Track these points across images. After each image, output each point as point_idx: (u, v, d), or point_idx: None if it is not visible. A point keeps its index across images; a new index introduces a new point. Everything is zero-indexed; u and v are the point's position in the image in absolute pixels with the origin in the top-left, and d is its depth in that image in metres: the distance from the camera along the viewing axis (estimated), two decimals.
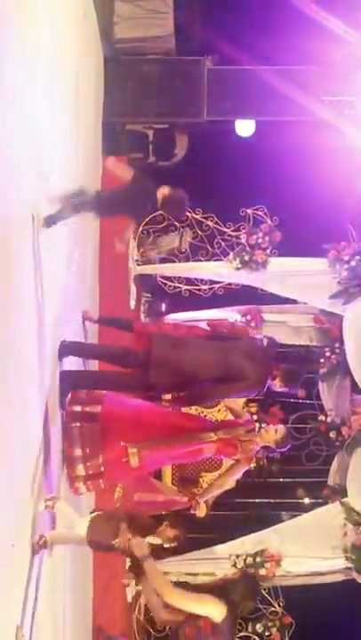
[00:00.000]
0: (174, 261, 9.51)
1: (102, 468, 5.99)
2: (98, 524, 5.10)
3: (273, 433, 6.33)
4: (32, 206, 5.08)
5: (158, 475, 9.39)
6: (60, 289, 6.08)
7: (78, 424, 5.96)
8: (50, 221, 5.54)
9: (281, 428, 6.39)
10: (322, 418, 9.41)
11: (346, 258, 8.80)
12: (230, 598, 4.70)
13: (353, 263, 8.75)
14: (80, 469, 5.96)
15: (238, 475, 6.75)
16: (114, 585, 7.76)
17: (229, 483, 6.89)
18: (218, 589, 4.79)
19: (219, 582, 5.07)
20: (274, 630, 8.21)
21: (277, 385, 6.46)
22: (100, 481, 6.10)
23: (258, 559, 8.11)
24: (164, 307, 10.08)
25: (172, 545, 5.22)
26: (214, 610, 4.58)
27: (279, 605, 8.25)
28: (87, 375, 6.73)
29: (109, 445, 5.92)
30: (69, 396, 6.06)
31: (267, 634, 8.26)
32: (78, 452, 5.93)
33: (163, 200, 6.21)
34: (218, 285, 9.61)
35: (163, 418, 6.32)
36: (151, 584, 4.80)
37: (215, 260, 9.23)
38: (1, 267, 4.20)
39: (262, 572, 8.07)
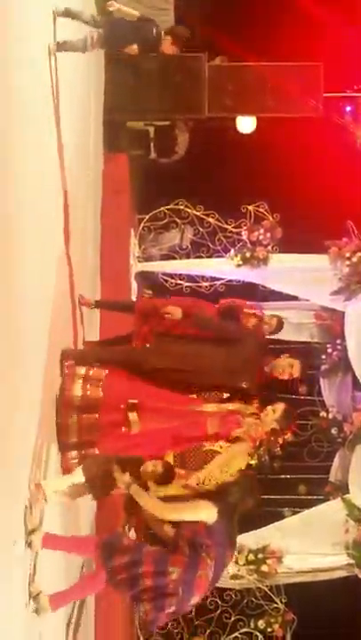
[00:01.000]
0: (175, 258, 9.51)
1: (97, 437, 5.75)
2: (91, 464, 5.18)
3: (271, 413, 6.16)
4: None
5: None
6: (60, 288, 6.09)
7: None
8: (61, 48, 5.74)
9: (278, 405, 6.17)
10: (323, 414, 9.43)
11: (347, 254, 8.80)
12: (227, 500, 4.89)
13: (354, 259, 8.75)
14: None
15: (240, 453, 6.54)
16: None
17: (228, 462, 6.71)
18: (215, 493, 4.96)
19: (216, 488, 5.16)
20: (276, 626, 8.23)
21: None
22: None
23: (260, 556, 8.13)
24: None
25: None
26: (207, 514, 4.77)
27: (281, 602, 8.27)
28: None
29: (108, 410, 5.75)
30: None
31: (269, 630, 8.28)
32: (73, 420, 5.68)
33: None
34: (219, 282, 9.61)
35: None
36: (144, 508, 4.95)
37: (216, 257, 9.23)
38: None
39: (264, 568, 8.09)
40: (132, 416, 5.73)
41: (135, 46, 6.67)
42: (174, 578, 4.67)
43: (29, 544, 4.57)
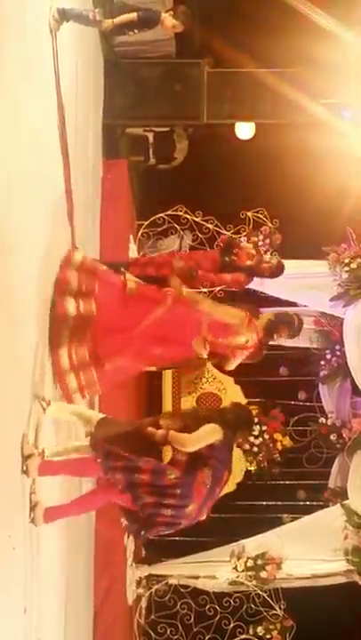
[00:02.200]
0: None
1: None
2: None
3: (257, 324, 5.98)
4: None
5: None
6: None
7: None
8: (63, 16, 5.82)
9: (264, 312, 6.18)
10: (323, 420, 9.44)
11: (346, 260, 8.81)
12: (229, 424, 5.15)
13: (353, 265, 8.75)
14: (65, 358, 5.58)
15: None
16: (115, 588, 7.75)
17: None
18: (217, 417, 5.20)
19: (218, 412, 5.48)
20: (275, 633, 8.21)
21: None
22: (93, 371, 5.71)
23: (259, 562, 8.13)
24: None
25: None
26: (217, 434, 5.03)
27: (280, 608, 8.26)
28: None
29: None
30: None
31: (268, 636, 8.26)
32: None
33: None
34: (218, 288, 9.60)
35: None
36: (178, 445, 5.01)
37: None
38: None
39: (263, 574, 8.09)
40: (130, 281, 5.78)
41: (135, 15, 6.69)
42: (172, 478, 4.85)
43: (25, 471, 4.59)
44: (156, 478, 4.84)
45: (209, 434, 5.04)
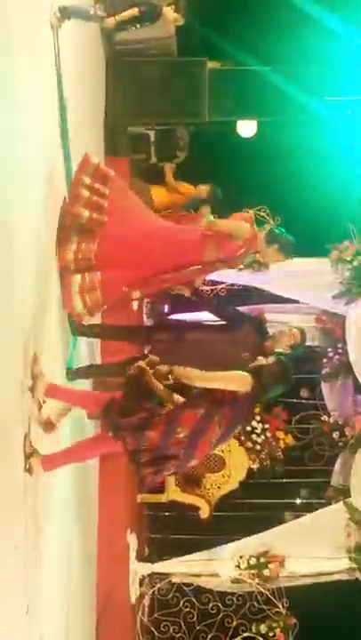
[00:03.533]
0: None
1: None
2: None
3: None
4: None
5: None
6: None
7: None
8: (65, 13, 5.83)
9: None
10: (325, 418, 9.44)
11: (348, 258, 8.80)
12: (262, 379, 4.95)
13: (355, 263, 8.75)
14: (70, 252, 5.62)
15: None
16: (117, 587, 7.77)
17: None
18: (253, 370, 5.00)
19: (254, 367, 5.11)
20: (278, 631, 8.21)
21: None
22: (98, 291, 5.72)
23: (261, 560, 8.13)
24: (166, 308, 10.07)
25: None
26: (241, 384, 4.86)
27: (283, 606, 8.26)
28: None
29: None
30: None
31: (271, 634, 8.26)
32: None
33: None
34: (220, 286, 9.62)
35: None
36: (184, 379, 4.91)
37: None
38: None
39: (266, 572, 8.09)
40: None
41: (136, 10, 6.70)
42: (180, 437, 4.74)
43: (31, 389, 4.57)
44: (164, 438, 4.76)
45: (233, 380, 4.88)
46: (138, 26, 7.17)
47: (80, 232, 5.62)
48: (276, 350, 6.22)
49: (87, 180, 5.72)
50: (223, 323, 6.53)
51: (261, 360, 5.15)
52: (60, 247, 5.57)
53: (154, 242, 5.84)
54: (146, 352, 6.93)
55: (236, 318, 6.41)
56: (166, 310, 10.04)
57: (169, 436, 4.77)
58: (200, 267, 6.04)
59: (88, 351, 7.21)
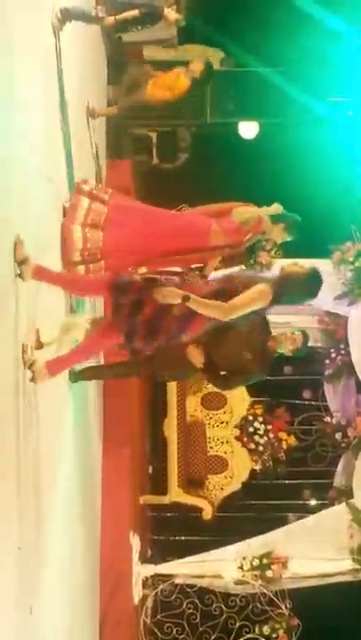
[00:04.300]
0: None
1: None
2: None
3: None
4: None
5: (165, 469, 9.42)
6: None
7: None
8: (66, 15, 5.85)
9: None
10: (327, 419, 9.44)
11: (350, 259, 8.80)
12: (282, 291, 4.88)
13: (357, 264, 8.75)
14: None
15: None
16: (121, 588, 7.76)
17: None
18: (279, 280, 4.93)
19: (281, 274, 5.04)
20: (281, 632, 8.21)
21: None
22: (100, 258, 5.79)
23: (264, 561, 8.13)
24: None
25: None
26: (265, 300, 4.79)
27: (286, 607, 8.25)
28: None
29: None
30: None
31: (274, 636, 8.26)
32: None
33: None
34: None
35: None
36: (208, 314, 4.76)
37: (219, 262, 9.21)
38: None
39: (269, 573, 8.08)
40: None
41: (137, 11, 6.71)
42: (176, 314, 4.73)
43: (20, 274, 4.45)
44: (158, 312, 4.73)
45: (255, 301, 4.80)
46: (139, 27, 7.16)
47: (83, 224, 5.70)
48: (278, 351, 6.23)
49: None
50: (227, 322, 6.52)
51: (295, 264, 5.09)
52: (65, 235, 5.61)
53: (155, 226, 5.87)
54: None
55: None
56: None
57: (164, 310, 4.73)
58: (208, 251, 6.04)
59: None
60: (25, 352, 4.49)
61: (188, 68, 7.41)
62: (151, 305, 4.76)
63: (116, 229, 5.82)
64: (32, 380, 4.56)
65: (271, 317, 6.65)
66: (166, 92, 7.59)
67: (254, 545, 8.23)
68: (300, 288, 5.04)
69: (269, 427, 9.59)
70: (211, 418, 9.82)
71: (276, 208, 6.10)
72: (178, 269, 5.94)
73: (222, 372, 6.31)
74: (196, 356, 5.93)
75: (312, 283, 5.09)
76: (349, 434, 9.15)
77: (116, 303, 4.85)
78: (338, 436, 9.28)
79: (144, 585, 8.24)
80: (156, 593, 8.31)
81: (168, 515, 9.58)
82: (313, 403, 9.71)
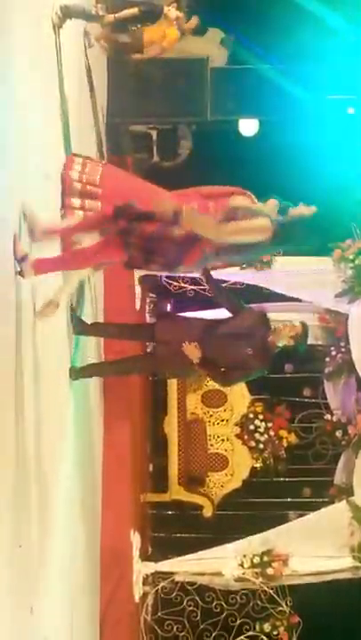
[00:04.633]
0: None
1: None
2: None
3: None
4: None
5: (165, 467, 9.43)
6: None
7: None
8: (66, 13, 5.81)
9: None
10: (328, 417, 9.44)
11: (351, 256, 8.79)
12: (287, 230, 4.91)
13: (358, 262, 8.74)
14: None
15: None
16: (121, 586, 7.77)
17: None
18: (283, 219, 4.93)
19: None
20: (281, 630, 8.22)
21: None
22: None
23: (265, 558, 8.12)
24: (169, 307, 10.08)
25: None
26: (263, 233, 4.82)
27: (287, 605, 8.26)
28: None
29: None
30: None
31: (275, 633, 8.27)
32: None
33: None
34: (223, 285, 9.58)
35: None
36: (200, 232, 4.71)
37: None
38: None
39: (269, 571, 8.08)
40: None
41: (136, 9, 6.70)
42: (175, 235, 4.66)
43: (20, 272, 4.41)
44: (159, 231, 4.67)
45: (253, 232, 4.79)
46: (139, 25, 7.16)
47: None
48: (279, 344, 6.23)
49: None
50: (227, 317, 6.53)
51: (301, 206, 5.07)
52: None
53: (149, 192, 5.86)
54: (148, 350, 6.96)
55: (241, 310, 6.40)
56: (169, 309, 10.04)
57: (165, 230, 4.68)
58: None
59: (91, 350, 7.21)
60: (17, 243, 4.41)
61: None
62: (152, 227, 4.70)
63: (114, 181, 5.77)
64: (20, 273, 4.46)
65: (272, 315, 6.67)
66: (161, 39, 7.47)
67: (255, 542, 8.23)
68: (303, 229, 5.12)
69: (270, 424, 9.60)
70: (211, 415, 9.82)
71: (272, 208, 6.07)
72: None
73: (222, 369, 6.32)
74: (193, 352, 5.92)
75: (316, 225, 5.19)
76: (350, 431, 9.16)
77: (118, 228, 4.77)
78: (338, 433, 9.28)
79: (144, 582, 8.25)
80: (157, 590, 8.32)
81: (169, 512, 9.60)
82: (313, 400, 9.72)
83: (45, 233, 4.64)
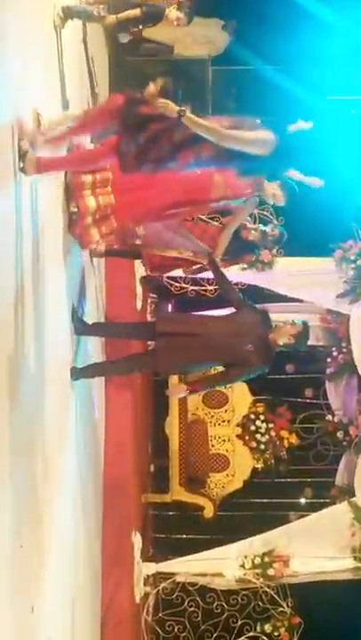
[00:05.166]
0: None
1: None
2: None
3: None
4: None
5: (166, 467, 9.42)
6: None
7: None
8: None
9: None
10: (329, 417, 9.44)
11: (352, 257, 8.80)
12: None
13: (359, 262, 8.75)
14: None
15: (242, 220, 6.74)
16: (122, 586, 7.77)
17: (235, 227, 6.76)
18: None
19: None
20: (282, 630, 8.22)
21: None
22: (112, 218, 5.85)
23: (266, 559, 8.13)
24: (170, 307, 10.08)
25: None
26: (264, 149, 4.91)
27: (288, 605, 8.26)
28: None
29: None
30: None
31: (276, 634, 8.27)
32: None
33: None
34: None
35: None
36: (203, 132, 4.73)
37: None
38: None
39: (270, 572, 8.09)
40: None
41: (138, 10, 6.71)
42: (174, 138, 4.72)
43: (22, 168, 4.42)
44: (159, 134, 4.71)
45: (255, 141, 4.85)
46: (140, 27, 7.15)
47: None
48: (280, 343, 6.24)
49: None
50: (228, 314, 6.53)
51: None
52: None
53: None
54: (149, 348, 6.96)
55: (242, 304, 6.41)
56: (170, 310, 10.04)
57: (165, 132, 4.73)
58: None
59: (92, 350, 7.21)
60: (21, 138, 4.44)
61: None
62: (153, 127, 4.73)
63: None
64: (22, 170, 4.49)
65: (273, 316, 6.67)
66: None
67: (256, 543, 8.24)
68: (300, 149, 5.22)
69: (271, 425, 9.60)
70: (212, 416, 9.83)
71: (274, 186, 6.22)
72: None
73: (221, 368, 6.33)
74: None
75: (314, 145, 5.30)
76: (351, 432, 9.16)
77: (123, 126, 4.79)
78: (339, 434, 9.28)
79: (146, 583, 8.25)
80: (158, 591, 8.32)
81: (170, 513, 9.59)
82: (315, 401, 9.71)
83: (48, 140, 4.69)
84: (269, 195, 6.43)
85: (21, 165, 4.45)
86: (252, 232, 7.38)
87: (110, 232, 5.96)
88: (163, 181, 5.77)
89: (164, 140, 4.76)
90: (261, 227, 7.64)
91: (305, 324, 6.42)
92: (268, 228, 7.57)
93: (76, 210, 5.82)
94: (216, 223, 7.38)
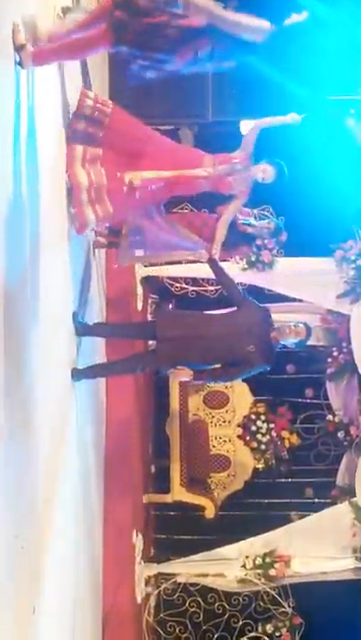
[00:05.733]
0: (181, 262, 9.48)
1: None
2: None
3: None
4: None
5: (167, 468, 9.42)
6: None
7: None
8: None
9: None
10: (330, 417, 9.44)
11: (353, 257, 8.79)
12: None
13: (360, 262, 8.74)
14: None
15: (237, 209, 6.83)
16: (123, 587, 7.77)
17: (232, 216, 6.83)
18: None
19: None
20: (284, 631, 8.23)
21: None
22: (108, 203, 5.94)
23: (267, 559, 8.13)
24: (170, 308, 10.07)
25: None
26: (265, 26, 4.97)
27: (289, 606, 8.26)
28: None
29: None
30: None
31: (277, 634, 8.27)
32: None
33: None
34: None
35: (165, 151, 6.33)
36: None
37: (222, 261, 9.20)
38: None
39: (272, 572, 8.09)
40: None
41: None
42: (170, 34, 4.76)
43: (20, 62, 4.46)
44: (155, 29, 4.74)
45: (254, 26, 5.16)
46: None
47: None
48: (281, 342, 6.26)
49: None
50: (229, 312, 6.53)
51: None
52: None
53: (154, 141, 6.23)
54: (150, 348, 6.97)
55: (244, 301, 6.41)
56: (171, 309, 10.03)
57: (160, 28, 4.77)
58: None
59: (93, 351, 7.22)
60: (17, 32, 4.45)
61: None
62: (151, 20, 4.76)
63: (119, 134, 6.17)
64: (20, 63, 4.52)
65: (274, 316, 6.67)
66: None
67: (257, 544, 8.24)
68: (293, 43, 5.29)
69: (272, 425, 9.59)
70: (213, 417, 9.82)
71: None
72: None
73: (217, 365, 6.33)
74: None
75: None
76: (352, 432, 9.15)
77: (113, 19, 4.78)
78: (340, 434, 9.28)
79: (147, 584, 8.26)
80: (159, 592, 8.33)
81: (171, 513, 9.58)
82: (315, 401, 9.71)
83: (47, 39, 4.75)
84: (259, 170, 6.49)
85: (18, 59, 4.47)
86: (250, 223, 7.40)
87: (105, 216, 5.98)
88: (152, 154, 5.83)
89: (160, 36, 4.85)
90: (255, 220, 7.68)
91: (307, 326, 6.44)
92: (264, 222, 7.59)
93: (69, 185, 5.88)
94: (215, 215, 7.38)
